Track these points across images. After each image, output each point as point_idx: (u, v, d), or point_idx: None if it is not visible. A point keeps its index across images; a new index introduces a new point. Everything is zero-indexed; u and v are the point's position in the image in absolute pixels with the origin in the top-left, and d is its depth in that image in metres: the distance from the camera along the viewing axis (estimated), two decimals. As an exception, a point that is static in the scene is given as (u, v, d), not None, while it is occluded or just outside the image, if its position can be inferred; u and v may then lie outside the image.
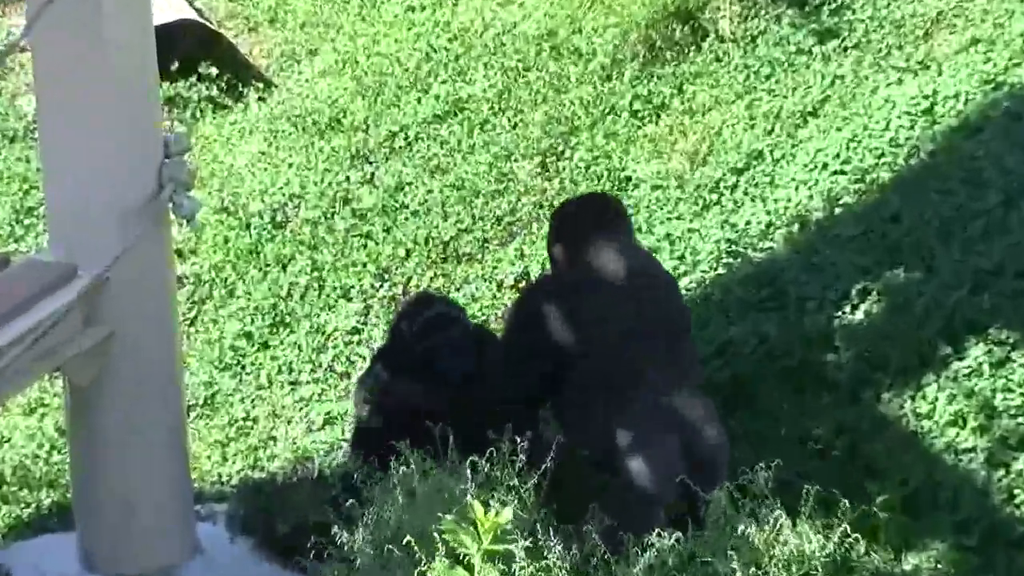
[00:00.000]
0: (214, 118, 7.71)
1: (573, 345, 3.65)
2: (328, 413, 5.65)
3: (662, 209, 5.98)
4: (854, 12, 6.52)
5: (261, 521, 4.28)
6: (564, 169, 6.44)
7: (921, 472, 4.00)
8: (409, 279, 6.19)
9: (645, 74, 6.68)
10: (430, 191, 6.58)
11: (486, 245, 6.23)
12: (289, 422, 5.71)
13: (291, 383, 5.90)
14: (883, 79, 6.08)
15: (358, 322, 6.05)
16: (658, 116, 6.52)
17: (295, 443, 5.55)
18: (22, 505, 4.85)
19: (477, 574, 2.60)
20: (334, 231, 6.57)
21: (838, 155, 5.62)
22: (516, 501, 3.14)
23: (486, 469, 3.25)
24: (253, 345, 6.14)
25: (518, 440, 3.30)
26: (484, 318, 5.83)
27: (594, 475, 3.61)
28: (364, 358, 5.83)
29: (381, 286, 6.20)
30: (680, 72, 6.63)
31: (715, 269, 5.32)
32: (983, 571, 3.77)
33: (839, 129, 5.83)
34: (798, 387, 4.46)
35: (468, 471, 3.22)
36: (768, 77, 6.43)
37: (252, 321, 6.23)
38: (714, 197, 5.91)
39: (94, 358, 3.73)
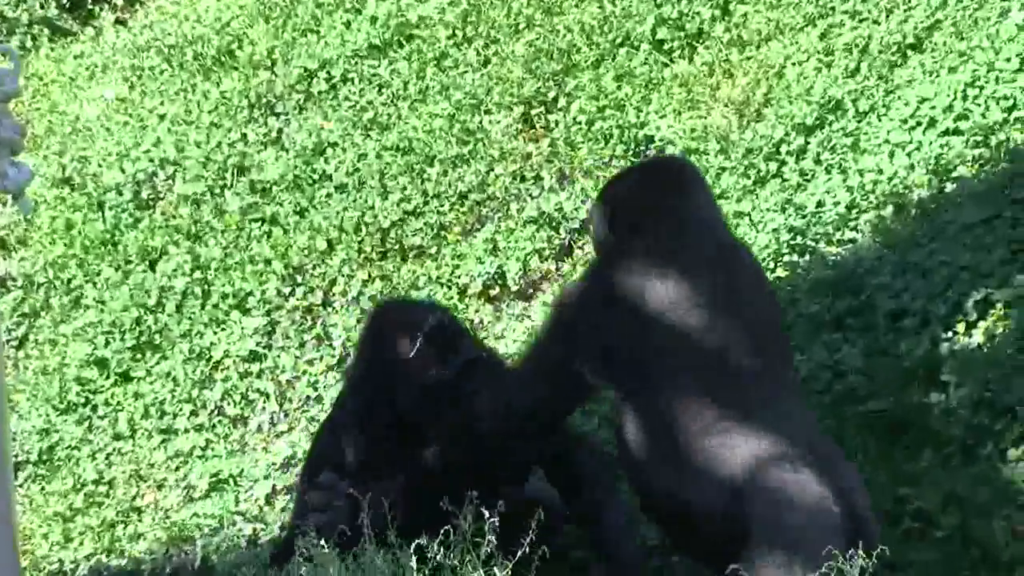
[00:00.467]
0: (52, 49, 7.72)
1: (650, 364, 3.76)
2: (216, 475, 5.66)
3: (697, 183, 6.03)
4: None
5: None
6: (556, 125, 6.46)
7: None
8: (332, 283, 6.20)
9: (674, -12, 6.74)
10: (363, 155, 6.60)
11: (443, 235, 6.25)
12: (160, 487, 5.72)
13: (162, 431, 5.90)
14: (1016, -3, 6.14)
15: (258, 344, 6.06)
16: (693, 49, 6.56)
17: (168, 517, 5.56)
18: None
19: None
20: (224, 213, 6.59)
21: (951, 107, 5.66)
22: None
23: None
24: (108, 377, 6.15)
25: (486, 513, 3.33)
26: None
27: (719, 541, 3.66)
28: (267, 395, 5.84)
29: (291, 293, 6.22)
30: (725, -15, 6.70)
31: (772, 271, 5.35)
32: None
33: (953, 69, 5.87)
34: (890, 440, 4.49)
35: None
36: (851, -8, 6.49)
37: (107, 343, 6.24)
38: (772, 167, 5.94)
39: None
